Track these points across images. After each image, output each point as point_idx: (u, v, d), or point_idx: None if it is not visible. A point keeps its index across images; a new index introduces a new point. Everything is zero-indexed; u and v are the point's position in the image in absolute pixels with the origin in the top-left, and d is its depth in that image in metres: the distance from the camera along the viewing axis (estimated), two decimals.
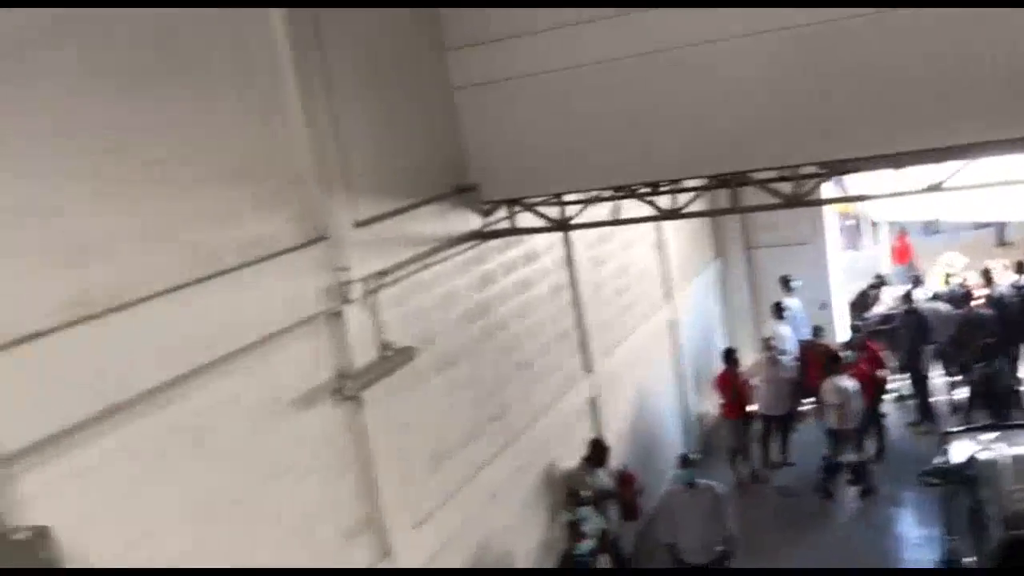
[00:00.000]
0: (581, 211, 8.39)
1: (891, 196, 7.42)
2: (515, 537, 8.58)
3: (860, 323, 13.19)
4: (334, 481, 6.28)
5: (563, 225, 8.59)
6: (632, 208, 8.55)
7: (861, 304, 14.36)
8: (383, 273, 6.66)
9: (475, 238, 8.09)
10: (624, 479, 9.82)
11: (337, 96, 6.39)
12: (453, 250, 7.78)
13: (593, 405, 10.30)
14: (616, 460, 9.97)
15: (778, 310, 13.84)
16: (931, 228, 22.71)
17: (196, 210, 5.24)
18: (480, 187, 8.02)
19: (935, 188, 6.90)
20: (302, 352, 6.02)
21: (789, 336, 13.59)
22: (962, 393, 12.88)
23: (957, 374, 13.31)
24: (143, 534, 4.82)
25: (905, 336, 13.13)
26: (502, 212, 8.35)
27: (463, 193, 7.88)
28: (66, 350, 4.37)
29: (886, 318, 13.90)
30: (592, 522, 8.51)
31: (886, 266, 18.67)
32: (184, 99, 5.25)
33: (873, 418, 12.23)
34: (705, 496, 9.07)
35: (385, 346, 6.64)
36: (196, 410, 5.18)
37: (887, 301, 14.78)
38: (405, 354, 6.71)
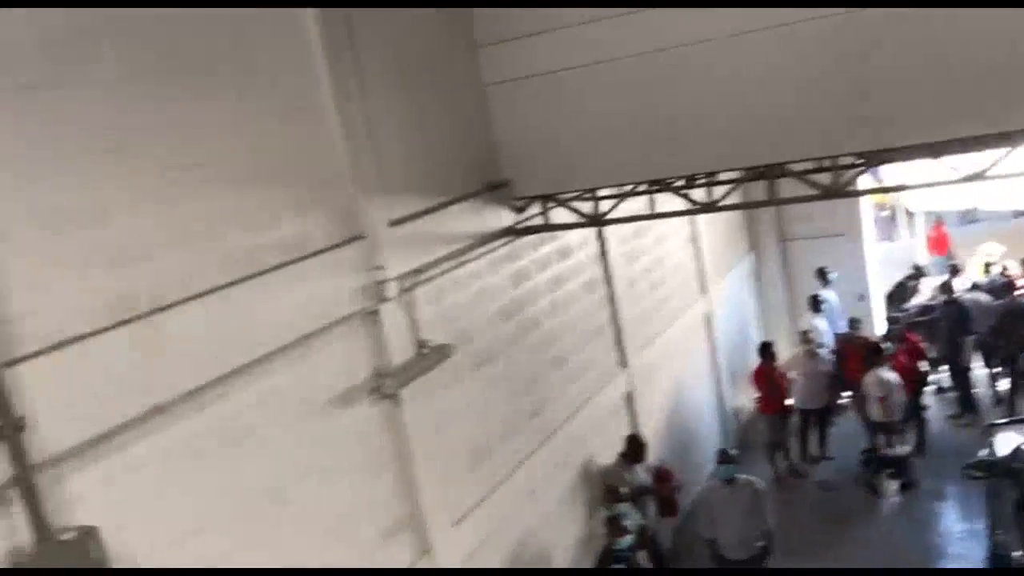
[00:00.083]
0: (615, 206, 8.33)
1: (932, 185, 7.28)
2: (553, 533, 8.57)
3: (899, 314, 12.99)
4: (373, 479, 6.30)
5: (597, 220, 8.53)
6: (666, 202, 8.48)
7: (899, 296, 14.14)
8: (418, 271, 6.66)
9: (508, 235, 8.08)
10: (661, 475, 9.76)
11: (370, 96, 6.40)
12: (486, 247, 7.77)
13: (629, 401, 10.25)
14: (653, 456, 9.91)
15: (815, 303, 13.69)
16: (968, 217, 22.37)
17: (235, 212, 5.28)
18: (513, 183, 8.00)
19: (977, 177, 6.77)
20: (340, 351, 6.05)
21: (826, 329, 13.45)
22: (1004, 385, 12.65)
23: (999, 365, 13.08)
24: (186, 533, 4.86)
25: (945, 327, 12.92)
26: (535, 208, 8.31)
27: (496, 190, 7.87)
28: (109, 352, 4.42)
29: (924, 309, 13.68)
30: (631, 518, 8.47)
31: (923, 257, 18.40)
32: (221, 103, 5.29)
33: (914, 411, 12.05)
34: (745, 492, 8.98)
35: (422, 344, 6.64)
36: (237, 410, 5.22)
37: (925, 292, 14.56)
38: (442, 352, 6.71)
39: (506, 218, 8.05)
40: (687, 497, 10.46)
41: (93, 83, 4.54)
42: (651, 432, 10.32)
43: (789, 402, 12.38)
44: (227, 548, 5.09)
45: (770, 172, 7.44)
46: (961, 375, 13.01)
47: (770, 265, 15.64)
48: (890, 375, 11.29)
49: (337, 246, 6.00)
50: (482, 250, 7.70)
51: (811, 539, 10.61)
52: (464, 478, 7.27)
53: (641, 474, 9.50)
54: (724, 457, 9.27)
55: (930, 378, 12.98)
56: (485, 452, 7.59)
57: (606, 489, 8.92)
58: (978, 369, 13.32)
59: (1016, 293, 13.47)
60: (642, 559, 8.39)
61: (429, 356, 6.62)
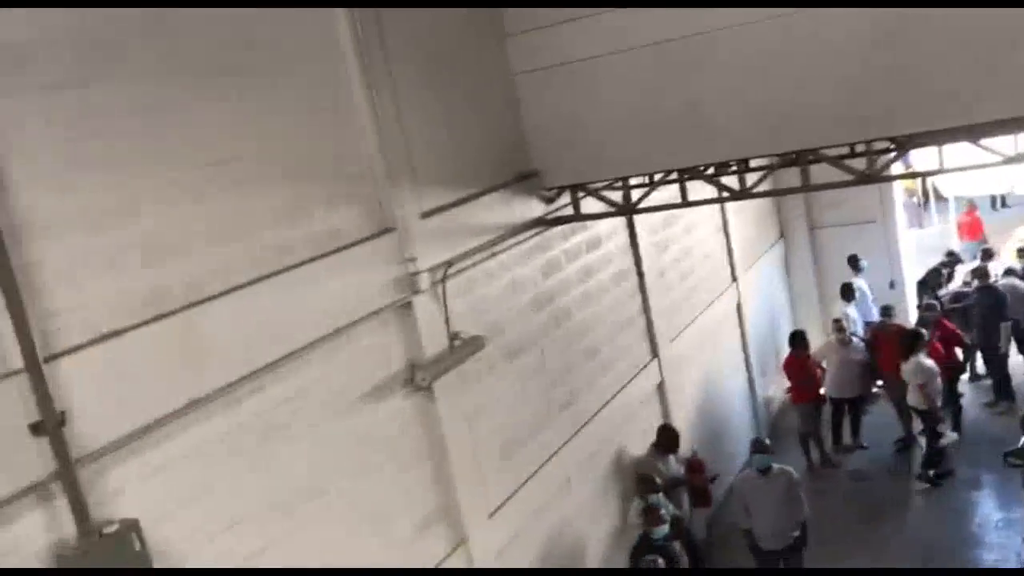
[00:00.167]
0: (645, 195, 8.26)
1: (970, 168, 7.14)
2: (587, 524, 8.55)
3: (934, 301, 12.81)
4: (408, 472, 6.30)
5: (627, 209, 8.46)
6: (697, 190, 8.39)
7: (934, 282, 13.94)
8: (449, 263, 6.64)
9: (538, 225, 8.03)
10: (694, 466, 9.69)
11: (400, 88, 6.37)
12: (517, 238, 7.73)
13: (660, 391, 10.20)
14: (685, 446, 9.85)
15: (847, 291, 13.53)
16: (998, 203, 22.06)
17: (267, 206, 5.29)
18: (542, 173, 7.95)
19: (1020, 159, 6.63)
20: (373, 344, 6.05)
21: (858, 317, 13.30)
22: None
23: None
24: (222, 527, 4.89)
25: (979, 314, 12.73)
26: (565, 198, 8.26)
27: (525, 180, 7.82)
28: (146, 347, 4.45)
29: (957, 296, 13.49)
30: (664, 508, 8.42)
31: (954, 243, 18.14)
32: (252, 99, 5.29)
33: (949, 399, 11.90)
34: (780, 481, 8.92)
35: (454, 336, 6.62)
36: (272, 404, 5.24)
37: (959, 279, 14.35)
38: (475, 343, 6.69)
39: (536, 208, 8.00)
40: (719, 487, 10.38)
41: (124, 81, 4.55)
42: (682, 422, 10.26)
43: (821, 391, 12.27)
44: (263, 542, 5.12)
45: (803, 158, 7.33)
46: (997, 362, 12.83)
47: (800, 253, 15.47)
48: (930, 362, 11.15)
49: (369, 239, 6.00)
50: (512, 241, 7.67)
51: (845, 529, 10.51)
52: (498, 470, 7.25)
53: (674, 465, 9.45)
54: (759, 447, 9.20)
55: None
56: (518, 443, 7.57)
57: (640, 479, 8.87)
58: (1014, 355, 13.13)
59: None
60: (677, 548, 8.33)
61: (462, 348, 6.61)
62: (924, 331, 11.58)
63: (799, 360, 12.15)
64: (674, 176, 8.00)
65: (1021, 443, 9.27)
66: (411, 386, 6.32)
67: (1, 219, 3.88)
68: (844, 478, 12.06)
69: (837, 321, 12.51)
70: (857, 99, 6.54)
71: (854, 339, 12.42)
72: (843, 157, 7.43)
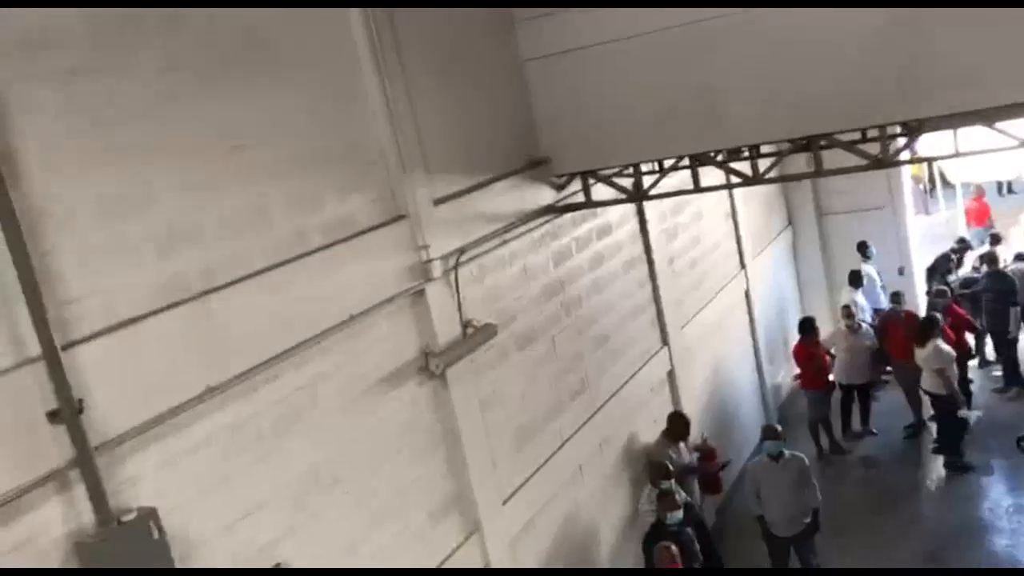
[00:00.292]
0: (656, 181, 8.22)
1: (985, 152, 7.10)
2: (600, 511, 8.55)
3: (944, 287, 12.77)
4: (422, 459, 6.30)
5: (638, 196, 8.42)
6: (708, 177, 8.34)
7: (943, 268, 13.89)
8: (462, 250, 6.62)
9: (549, 212, 8.00)
10: (705, 453, 9.69)
11: (411, 76, 6.35)
12: (528, 225, 7.71)
13: (670, 378, 10.18)
14: (694, 433, 9.84)
15: (856, 278, 13.50)
16: (1005, 188, 21.98)
17: (282, 194, 5.29)
18: (552, 160, 7.92)
19: None
20: (388, 331, 6.04)
21: (866, 304, 13.26)
22: None
23: None
24: (239, 514, 4.89)
25: (989, 299, 12.69)
26: (575, 185, 8.23)
27: (536, 167, 7.80)
28: (162, 334, 4.45)
29: (967, 281, 13.44)
30: (678, 495, 8.41)
31: (962, 229, 18.07)
32: (265, 88, 5.27)
33: (960, 384, 11.85)
34: (792, 468, 8.91)
35: (467, 323, 6.61)
36: (288, 391, 5.24)
37: (968, 265, 14.31)
38: (487, 331, 6.69)
39: (547, 196, 7.98)
40: (729, 474, 10.38)
41: (140, 70, 4.54)
42: (692, 410, 10.24)
43: (831, 378, 12.25)
44: (280, 530, 5.12)
45: (815, 143, 7.29)
46: (1007, 347, 12.79)
47: (807, 240, 15.40)
48: (947, 347, 11.12)
49: (382, 226, 5.99)
50: (524, 228, 7.64)
51: (856, 516, 10.49)
52: (511, 457, 7.25)
53: (685, 452, 9.44)
54: (770, 433, 9.19)
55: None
56: (531, 431, 7.56)
57: (652, 466, 8.86)
58: None
59: None
60: (689, 534, 8.32)
61: (475, 335, 6.60)
62: (939, 316, 11.53)
63: (808, 347, 12.12)
64: (685, 162, 7.96)
65: None
66: (425, 373, 6.32)
67: (18, 207, 3.86)
68: (854, 464, 12.03)
69: (846, 308, 12.47)
70: (872, 83, 6.50)
71: (863, 325, 12.39)
72: (855, 142, 7.38)
